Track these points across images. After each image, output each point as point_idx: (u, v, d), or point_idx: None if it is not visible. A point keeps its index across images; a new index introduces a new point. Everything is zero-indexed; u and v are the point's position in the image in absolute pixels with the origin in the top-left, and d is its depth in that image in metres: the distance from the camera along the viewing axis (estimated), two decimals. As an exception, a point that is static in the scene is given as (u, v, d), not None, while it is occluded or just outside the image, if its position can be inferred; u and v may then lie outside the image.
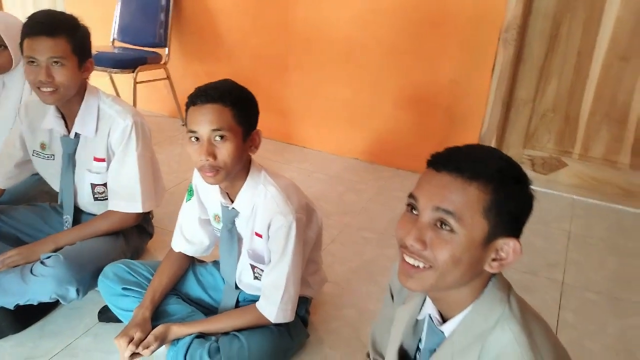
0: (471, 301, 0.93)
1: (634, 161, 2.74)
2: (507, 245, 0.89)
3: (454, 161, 0.89)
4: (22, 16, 1.80)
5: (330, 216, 2.53)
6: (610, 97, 2.69)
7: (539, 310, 0.98)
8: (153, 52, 3.34)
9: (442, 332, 0.98)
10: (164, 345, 1.63)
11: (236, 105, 1.38)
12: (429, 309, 1.01)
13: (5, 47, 2.00)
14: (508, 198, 0.87)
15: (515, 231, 0.90)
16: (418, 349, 1.09)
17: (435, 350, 0.99)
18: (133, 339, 1.46)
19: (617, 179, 2.79)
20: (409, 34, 2.87)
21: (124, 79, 3.47)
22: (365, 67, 3.04)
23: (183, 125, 3.57)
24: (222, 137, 1.36)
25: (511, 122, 2.93)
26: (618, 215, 2.72)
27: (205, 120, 1.35)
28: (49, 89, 1.66)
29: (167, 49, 3.35)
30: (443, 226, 0.87)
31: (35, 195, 2.16)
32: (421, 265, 0.89)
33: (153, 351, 1.46)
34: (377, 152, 3.18)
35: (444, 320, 0.98)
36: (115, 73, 3.20)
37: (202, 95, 1.36)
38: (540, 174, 2.94)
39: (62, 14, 1.71)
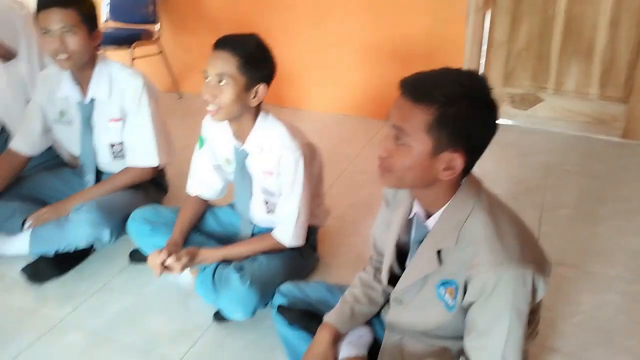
0: (447, 199, 1.14)
1: (602, 92, 2.96)
2: (453, 159, 1.06)
3: (409, 86, 1.07)
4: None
5: (326, 165, 2.71)
6: (577, 34, 2.90)
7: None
8: (145, 29, 3.49)
9: (427, 226, 1.19)
10: (190, 277, 1.86)
11: (244, 57, 1.54)
12: (416, 208, 1.23)
13: None
14: (450, 118, 1.02)
15: (465, 145, 1.05)
16: (409, 245, 1.31)
17: (421, 241, 1.21)
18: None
19: (588, 109, 3.02)
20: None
21: (119, 57, 3.61)
22: (342, 24, 3.21)
23: (179, 98, 3.74)
24: (223, 82, 1.55)
25: (490, 62, 3.14)
26: (590, 144, 2.96)
27: (214, 64, 1.54)
28: (63, 56, 1.83)
29: (157, 25, 3.50)
30: (398, 140, 1.07)
31: (55, 164, 2.35)
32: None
33: (182, 266, 1.64)
34: (364, 106, 3.37)
35: (429, 217, 1.20)
36: (112, 50, 3.34)
37: (219, 42, 1.55)
38: (520, 109, 3.17)
39: None
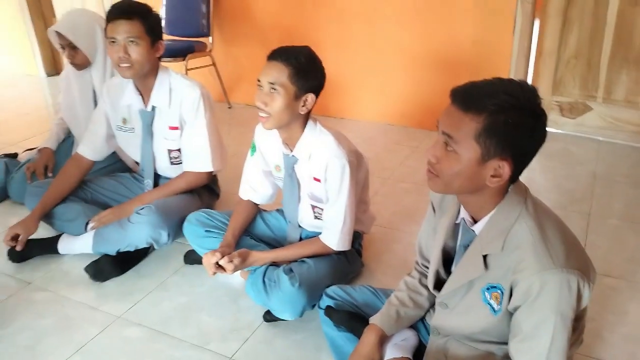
0: (494, 205, 1.18)
1: (653, 101, 2.91)
2: (503, 166, 1.10)
3: (460, 95, 1.11)
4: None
5: (370, 173, 2.77)
6: (627, 41, 2.86)
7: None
8: (199, 41, 3.65)
9: (473, 231, 1.23)
10: (240, 278, 1.95)
11: (295, 67, 1.62)
12: (463, 213, 1.27)
13: (77, 48, 2.28)
14: (499, 127, 1.06)
15: (513, 154, 1.08)
16: (455, 250, 1.35)
17: (468, 246, 1.25)
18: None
19: (638, 118, 2.97)
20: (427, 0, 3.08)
21: (174, 68, 3.78)
22: (390, 36, 3.28)
23: (229, 108, 3.88)
24: (274, 90, 1.63)
25: (539, 71, 3.14)
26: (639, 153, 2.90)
27: (267, 73, 1.63)
28: (126, 65, 1.96)
29: (210, 37, 3.66)
30: (448, 147, 1.12)
31: (114, 169, 2.50)
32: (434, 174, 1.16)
33: (234, 268, 1.72)
34: (410, 116, 3.41)
35: (475, 222, 1.23)
36: (167, 61, 3.51)
37: (273, 53, 1.64)
38: (569, 118, 3.16)
39: (137, 2, 2.00)
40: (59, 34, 2.24)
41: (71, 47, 2.26)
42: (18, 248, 2.07)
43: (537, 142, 1.11)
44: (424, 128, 3.36)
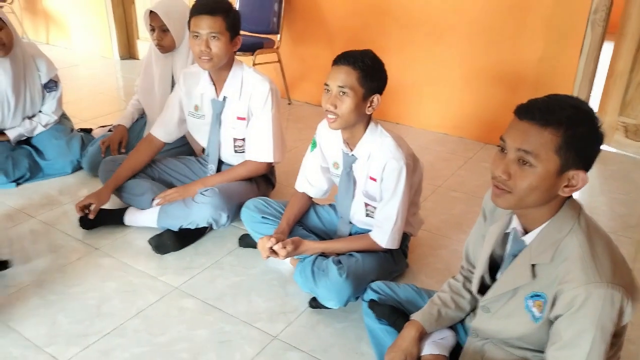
0: (548, 218, 1.23)
1: None
2: (577, 175, 1.16)
3: (531, 111, 1.17)
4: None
5: (424, 179, 2.82)
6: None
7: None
8: (267, 38, 3.80)
9: (524, 241, 1.28)
10: (291, 265, 2.05)
11: (363, 70, 1.71)
12: (515, 223, 1.32)
13: (168, 30, 2.48)
14: (576, 139, 1.13)
15: (584, 163, 1.16)
16: (502, 258, 1.40)
17: (516, 255, 1.30)
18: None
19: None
20: (497, 15, 3.11)
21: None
22: (454, 47, 3.31)
23: (289, 104, 4.02)
24: (344, 93, 1.73)
25: (608, 91, 3.14)
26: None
27: (335, 77, 1.73)
28: (206, 57, 2.10)
29: (279, 35, 3.80)
30: (524, 162, 1.17)
31: (181, 152, 2.67)
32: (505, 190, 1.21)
33: (287, 254, 1.84)
34: (466, 128, 3.44)
35: (526, 233, 1.29)
36: (237, 56, 3.66)
37: (340, 58, 1.74)
38: (633, 140, 3.14)
39: None
40: (152, 16, 2.43)
41: (162, 30, 2.45)
42: (91, 216, 2.25)
43: (599, 149, 1.18)
44: (479, 140, 3.38)
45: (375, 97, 1.76)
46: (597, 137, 1.15)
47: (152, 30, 2.50)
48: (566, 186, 1.17)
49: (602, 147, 1.18)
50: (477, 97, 3.34)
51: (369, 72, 1.73)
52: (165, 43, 2.49)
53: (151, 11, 2.47)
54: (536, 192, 1.18)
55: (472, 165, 3.09)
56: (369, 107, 1.77)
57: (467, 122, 3.43)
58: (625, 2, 2.96)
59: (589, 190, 2.81)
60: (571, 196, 1.24)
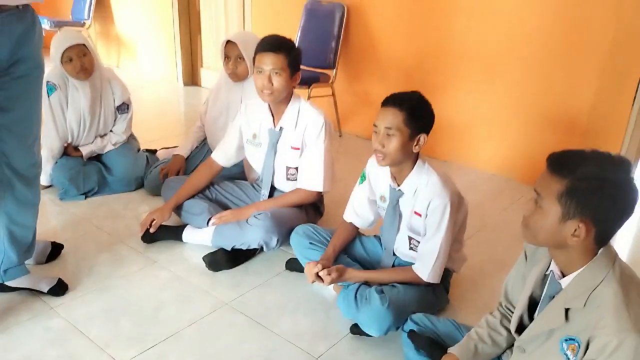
0: (584, 264, 1.28)
1: None
2: (579, 228, 1.22)
3: (552, 159, 1.26)
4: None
5: (470, 217, 2.87)
6: None
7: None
8: (324, 72, 3.97)
9: (560, 284, 1.34)
10: (334, 292, 2.14)
11: (409, 112, 1.82)
12: (553, 266, 1.39)
13: (244, 59, 2.67)
14: (579, 193, 1.18)
15: (594, 219, 1.20)
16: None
17: (553, 296, 1.36)
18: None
19: None
20: (552, 57, 3.15)
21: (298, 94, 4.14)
22: (508, 87, 3.37)
23: (340, 136, 4.16)
24: (391, 133, 1.83)
25: None
26: None
27: (383, 118, 1.84)
28: (267, 91, 2.27)
29: (334, 70, 3.98)
30: (537, 203, 1.27)
31: (237, 177, 2.83)
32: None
33: (331, 280, 1.94)
34: (515, 169, 3.47)
35: (564, 276, 1.34)
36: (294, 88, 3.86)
37: (388, 100, 1.86)
38: None
39: (284, 38, 2.31)
40: (230, 45, 2.64)
41: (238, 58, 2.64)
42: (152, 230, 2.42)
43: (621, 213, 1.22)
44: (528, 183, 3.40)
45: (422, 137, 1.86)
46: (609, 195, 1.18)
47: (227, 58, 2.69)
48: (572, 235, 1.23)
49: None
50: (527, 139, 3.38)
51: (415, 113, 1.82)
52: (239, 71, 2.69)
53: (228, 41, 2.66)
54: (543, 232, 1.27)
55: (518, 206, 3.11)
56: (415, 145, 1.86)
57: (516, 164, 3.46)
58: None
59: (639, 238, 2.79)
60: (608, 244, 1.29)
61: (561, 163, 1.24)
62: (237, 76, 2.71)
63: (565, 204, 1.21)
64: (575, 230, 1.22)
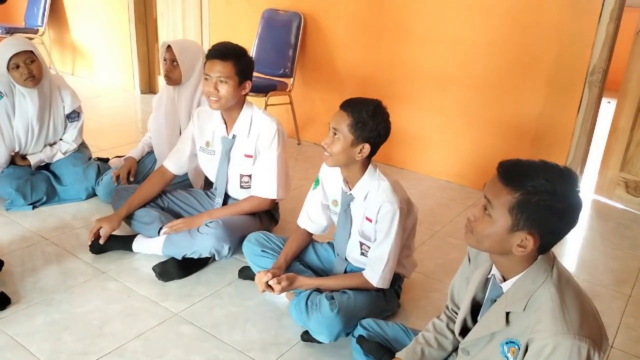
0: (523, 268, 1.31)
1: None
2: (527, 239, 1.24)
3: (504, 169, 1.28)
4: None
5: (421, 224, 2.92)
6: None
7: (602, 314, 1.31)
8: (281, 81, 3.98)
9: (501, 288, 1.37)
10: (287, 299, 2.13)
11: (356, 119, 1.81)
12: (494, 270, 1.42)
13: (178, 65, 2.66)
14: (530, 206, 1.19)
15: (541, 232, 1.21)
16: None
17: (495, 300, 1.39)
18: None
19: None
20: (499, 72, 3.27)
21: (255, 102, 4.13)
22: (458, 100, 3.46)
23: (298, 144, 4.17)
24: (335, 135, 1.85)
25: (611, 146, 3.28)
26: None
27: (333, 119, 1.86)
28: (214, 98, 2.26)
29: (292, 79, 3.99)
30: (485, 210, 1.29)
31: (188, 184, 2.80)
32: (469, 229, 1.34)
33: (281, 289, 1.93)
34: (467, 176, 3.55)
35: (504, 280, 1.37)
36: (250, 96, 3.85)
37: (343, 103, 1.87)
38: (633, 196, 3.25)
39: (234, 45, 2.30)
40: (168, 49, 2.64)
41: (173, 62, 2.65)
42: (101, 241, 2.37)
43: (566, 225, 1.25)
44: (480, 189, 3.45)
45: (365, 146, 1.86)
46: (558, 210, 1.20)
47: (165, 61, 2.69)
48: (519, 246, 1.25)
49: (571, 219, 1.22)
50: (479, 146, 3.46)
51: (362, 122, 1.83)
52: (173, 76, 2.69)
53: (168, 45, 2.66)
54: (489, 240, 1.29)
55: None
56: (358, 153, 1.87)
57: (469, 171, 3.54)
58: (627, 64, 3.11)
59: (585, 243, 2.88)
60: (548, 251, 1.32)
61: (513, 174, 1.25)
62: (171, 80, 2.72)
63: (516, 216, 1.23)
64: (522, 241, 1.24)
